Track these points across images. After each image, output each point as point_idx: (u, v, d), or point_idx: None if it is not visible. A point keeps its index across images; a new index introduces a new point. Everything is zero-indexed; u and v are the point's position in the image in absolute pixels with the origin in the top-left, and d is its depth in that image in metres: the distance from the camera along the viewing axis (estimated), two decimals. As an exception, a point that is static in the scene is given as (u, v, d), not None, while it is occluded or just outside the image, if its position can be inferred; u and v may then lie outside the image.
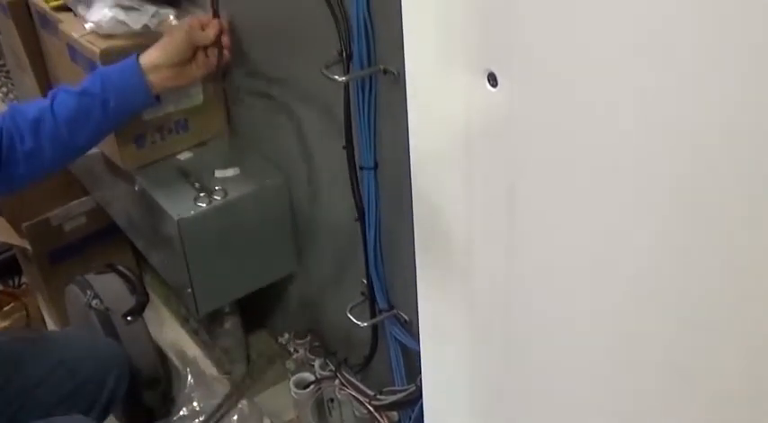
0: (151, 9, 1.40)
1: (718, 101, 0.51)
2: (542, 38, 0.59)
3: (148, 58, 1.29)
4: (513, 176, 0.67)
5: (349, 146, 1.18)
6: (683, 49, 0.51)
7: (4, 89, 2.54)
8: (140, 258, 2.00)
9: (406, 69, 0.77)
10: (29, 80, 1.79)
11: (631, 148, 0.56)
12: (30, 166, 1.26)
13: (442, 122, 0.74)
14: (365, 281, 1.31)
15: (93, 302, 1.66)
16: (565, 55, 0.58)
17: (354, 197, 1.22)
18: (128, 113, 1.33)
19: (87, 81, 1.28)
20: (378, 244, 1.26)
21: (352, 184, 1.22)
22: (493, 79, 0.64)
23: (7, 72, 2.38)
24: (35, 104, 1.27)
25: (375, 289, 1.29)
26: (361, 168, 1.19)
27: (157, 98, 1.34)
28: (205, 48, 1.33)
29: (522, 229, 0.72)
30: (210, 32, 1.32)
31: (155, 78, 1.29)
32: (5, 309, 1.85)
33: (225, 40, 1.33)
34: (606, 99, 0.56)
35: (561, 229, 0.67)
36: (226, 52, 1.34)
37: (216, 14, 1.32)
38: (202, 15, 1.36)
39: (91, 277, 1.72)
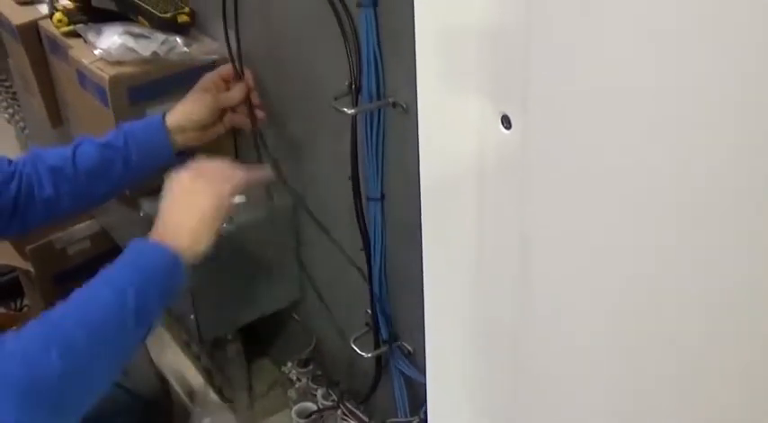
0: (160, 37, 1.41)
1: (735, 147, 0.51)
2: (557, 81, 0.59)
3: (175, 118, 1.29)
4: (525, 218, 0.67)
5: (355, 177, 1.18)
6: (697, 98, 0.51)
7: (11, 110, 2.56)
8: (143, 283, 2.00)
9: (418, 108, 0.78)
10: (36, 104, 1.80)
11: (647, 193, 0.56)
12: (46, 212, 1.25)
13: (454, 161, 0.74)
14: (369, 311, 1.31)
15: (96, 327, 1.65)
16: (580, 100, 0.58)
17: (360, 227, 1.22)
18: (148, 170, 1.31)
19: (111, 134, 1.27)
20: (383, 275, 1.26)
21: (357, 215, 1.22)
22: (507, 121, 0.64)
23: (14, 93, 2.39)
24: (57, 152, 1.26)
25: (379, 320, 1.29)
26: (368, 199, 1.19)
27: (179, 155, 1.32)
28: (232, 108, 1.34)
29: (534, 268, 0.72)
30: (237, 95, 1.32)
31: (180, 138, 1.29)
32: (8, 332, 1.84)
33: (254, 98, 1.33)
34: (623, 144, 0.56)
35: (575, 270, 0.67)
36: (259, 112, 1.34)
37: (240, 74, 1.33)
38: (224, 70, 1.35)
39: (94, 302, 1.72)
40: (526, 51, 0.60)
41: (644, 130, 0.55)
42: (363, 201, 1.20)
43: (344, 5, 1.07)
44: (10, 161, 1.25)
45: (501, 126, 0.64)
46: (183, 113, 1.30)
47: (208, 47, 1.44)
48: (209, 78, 1.34)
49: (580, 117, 0.58)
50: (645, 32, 0.53)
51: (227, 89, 1.34)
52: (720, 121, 0.51)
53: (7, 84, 2.47)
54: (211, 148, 1.47)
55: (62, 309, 1.00)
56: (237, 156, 1.57)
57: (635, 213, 0.58)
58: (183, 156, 1.31)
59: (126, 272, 1.06)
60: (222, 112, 1.34)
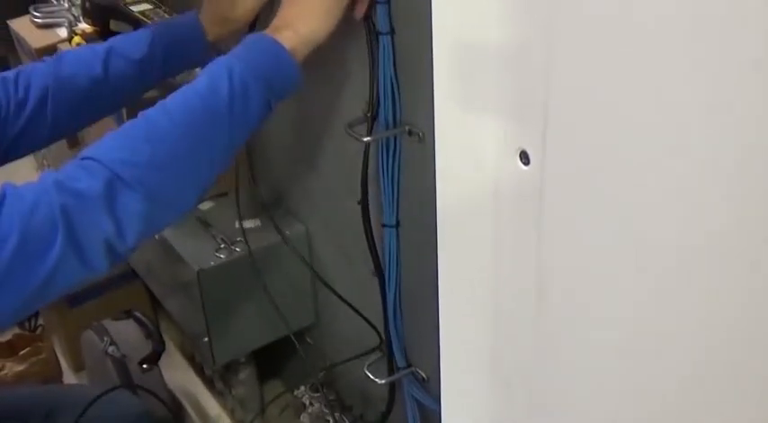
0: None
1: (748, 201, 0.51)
2: (577, 119, 0.59)
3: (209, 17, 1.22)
4: (542, 254, 0.67)
5: (364, 203, 1.19)
6: (714, 143, 0.51)
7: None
8: (156, 303, 2.00)
9: (435, 140, 0.78)
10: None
11: (665, 231, 0.56)
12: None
13: (470, 193, 0.74)
14: (384, 337, 1.31)
15: (110, 349, 1.66)
16: (600, 138, 0.58)
17: (371, 253, 1.22)
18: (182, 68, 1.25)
19: (144, 46, 1.19)
20: (398, 301, 1.25)
21: (368, 240, 1.22)
22: (525, 157, 0.64)
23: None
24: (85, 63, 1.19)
25: (393, 346, 1.28)
26: (384, 226, 1.19)
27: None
28: None
29: (550, 303, 0.72)
30: None
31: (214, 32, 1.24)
32: (22, 353, 1.85)
33: None
34: (642, 182, 0.56)
35: (591, 306, 0.66)
36: None
37: None
38: None
39: (108, 323, 1.72)
40: (546, 88, 0.60)
41: (664, 169, 0.54)
42: (376, 227, 1.20)
43: (369, 32, 1.07)
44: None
45: (519, 162, 0.64)
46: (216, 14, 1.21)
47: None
48: None
49: (599, 155, 0.58)
50: (664, 71, 0.53)
51: None
52: (745, 167, 0.51)
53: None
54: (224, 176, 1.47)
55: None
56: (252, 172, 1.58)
57: (652, 251, 0.58)
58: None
59: (223, 60, 0.99)
60: None
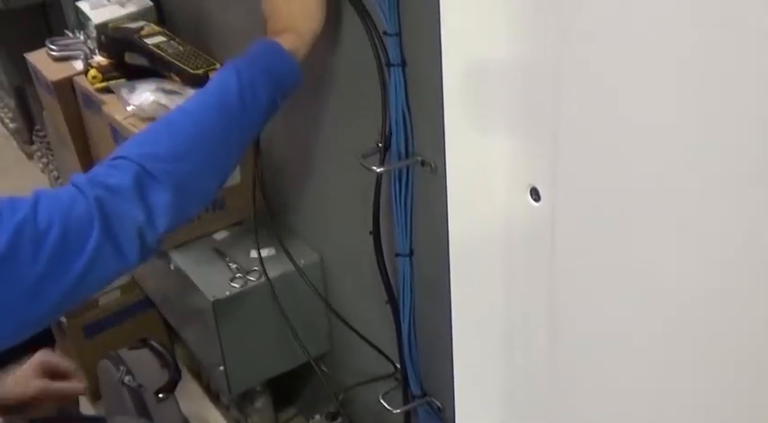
0: (192, 93, 1.43)
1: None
2: (588, 157, 0.59)
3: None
4: (553, 288, 0.67)
5: (376, 232, 1.19)
6: (724, 176, 0.51)
7: (45, 160, 2.61)
8: (172, 332, 2.01)
9: (447, 174, 0.78)
10: (70, 157, 1.83)
11: (676, 269, 0.56)
12: None
13: (482, 227, 0.75)
14: (398, 366, 1.30)
15: (126, 379, 1.66)
16: (611, 178, 0.58)
17: (383, 281, 1.23)
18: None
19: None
20: (412, 330, 1.25)
21: (380, 270, 1.22)
22: (535, 194, 0.64)
23: (48, 143, 2.44)
24: None
25: (409, 375, 1.28)
26: (397, 255, 1.19)
27: None
28: None
29: (561, 335, 0.72)
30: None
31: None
32: (39, 382, 1.85)
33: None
34: (653, 220, 0.56)
35: (602, 340, 0.66)
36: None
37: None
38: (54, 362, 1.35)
39: (124, 353, 1.73)
40: (556, 126, 0.61)
41: (676, 209, 0.55)
42: (390, 256, 1.21)
43: (380, 64, 1.08)
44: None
45: (530, 198, 0.65)
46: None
47: (238, 102, 1.45)
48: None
49: (610, 194, 0.58)
50: (678, 112, 0.53)
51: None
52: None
53: (42, 133, 2.52)
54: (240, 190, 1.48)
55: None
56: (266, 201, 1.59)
57: (663, 288, 0.58)
58: None
59: (230, 63, 1.08)
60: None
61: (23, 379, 1.30)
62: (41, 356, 1.33)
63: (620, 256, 0.60)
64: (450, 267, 0.85)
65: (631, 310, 0.61)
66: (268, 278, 1.42)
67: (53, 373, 1.34)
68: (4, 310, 0.87)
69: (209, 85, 1.06)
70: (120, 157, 0.97)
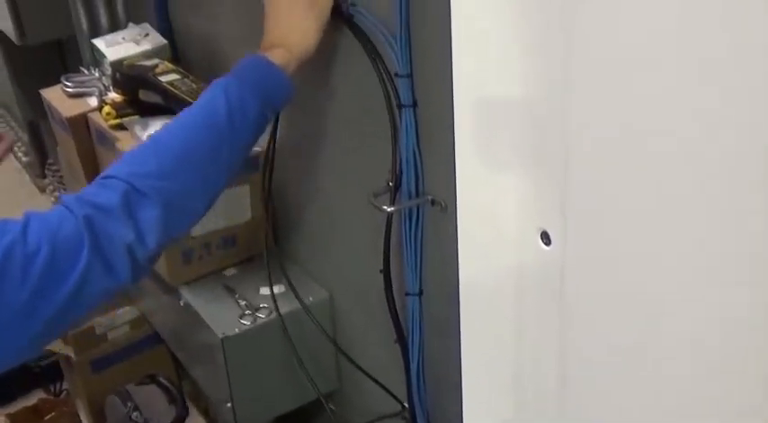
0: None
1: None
2: (598, 200, 0.60)
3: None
4: (564, 334, 0.67)
5: (386, 271, 1.19)
6: (740, 223, 0.51)
7: (57, 193, 2.62)
8: (180, 368, 2.00)
9: (458, 217, 0.79)
10: (82, 191, 1.84)
11: (687, 313, 0.56)
12: None
13: (493, 269, 0.75)
14: (407, 405, 1.30)
15: (133, 415, 1.66)
16: (621, 220, 0.58)
17: (392, 320, 1.23)
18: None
19: None
20: (421, 369, 1.25)
21: (389, 308, 1.22)
22: (546, 238, 0.65)
23: (61, 177, 2.45)
24: None
25: (417, 415, 1.28)
26: (407, 294, 1.19)
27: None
28: None
29: (572, 382, 0.72)
30: None
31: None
32: (47, 417, 1.85)
33: None
34: (663, 265, 0.57)
35: (613, 389, 0.66)
36: None
37: None
38: None
39: (131, 388, 1.73)
40: (566, 169, 0.61)
41: (685, 255, 0.55)
42: (400, 295, 1.21)
43: (390, 105, 1.09)
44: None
45: (540, 242, 0.65)
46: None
47: (250, 140, 1.47)
48: None
49: (620, 239, 0.59)
50: (689, 163, 0.53)
51: None
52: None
53: (54, 167, 2.54)
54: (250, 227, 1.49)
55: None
56: (276, 238, 1.59)
57: (674, 334, 0.58)
58: None
59: (219, 80, 1.08)
60: None
61: None
62: None
63: (631, 301, 0.60)
64: (460, 308, 0.86)
65: (643, 353, 0.61)
66: (280, 315, 1.42)
67: None
68: None
69: (197, 103, 1.07)
70: (110, 177, 0.98)
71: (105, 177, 0.98)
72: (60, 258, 0.90)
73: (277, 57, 1.09)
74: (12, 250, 0.87)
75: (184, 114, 1.06)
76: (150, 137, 1.05)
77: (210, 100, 1.05)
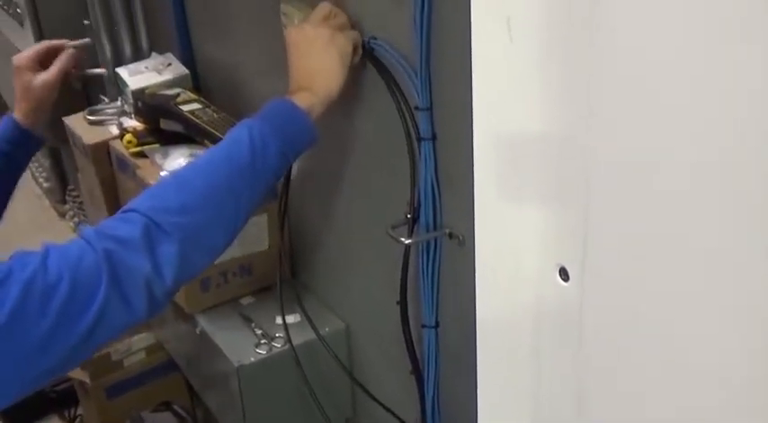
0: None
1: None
2: (618, 237, 0.60)
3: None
4: (582, 370, 0.67)
5: (403, 303, 1.19)
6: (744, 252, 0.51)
7: (77, 219, 2.64)
8: (195, 396, 2.00)
9: (476, 251, 0.79)
10: (102, 217, 1.85)
11: (709, 355, 0.56)
12: None
13: (510, 304, 0.75)
14: (422, 438, 1.29)
15: (147, 442, 1.66)
16: (641, 258, 0.58)
17: (408, 352, 1.23)
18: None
19: None
20: (436, 401, 1.24)
21: (406, 340, 1.22)
22: (564, 274, 0.65)
23: (80, 203, 2.47)
24: None
25: (432, 447, 1.27)
26: (423, 326, 1.19)
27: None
28: None
29: (592, 411, 0.71)
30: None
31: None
32: (61, 444, 1.85)
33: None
34: (683, 303, 0.57)
35: (633, 417, 0.66)
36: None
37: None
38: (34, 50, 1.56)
39: (146, 416, 1.73)
40: (586, 205, 0.61)
41: (708, 291, 0.55)
42: (416, 327, 1.21)
43: (409, 138, 1.10)
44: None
45: (559, 278, 0.65)
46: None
47: (269, 169, 1.47)
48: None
49: (641, 276, 0.59)
50: (704, 196, 0.54)
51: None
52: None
53: (75, 193, 2.56)
54: (267, 256, 1.48)
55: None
56: (293, 268, 1.59)
57: (694, 374, 0.58)
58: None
59: (244, 121, 1.09)
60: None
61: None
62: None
63: (651, 340, 0.60)
64: (477, 342, 0.85)
65: (664, 394, 0.61)
66: (292, 345, 1.42)
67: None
68: (11, 365, 0.88)
69: (222, 143, 1.08)
70: (130, 211, 0.99)
71: (126, 211, 0.99)
72: (80, 291, 0.90)
73: (302, 100, 1.10)
74: (33, 283, 0.88)
75: (209, 153, 1.08)
76: (173, 173, 1.08)
77: (235, 140, 1.07)
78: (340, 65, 1.11)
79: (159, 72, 1.67)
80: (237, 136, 1.07)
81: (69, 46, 1.59)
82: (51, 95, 1.53)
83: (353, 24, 1.15)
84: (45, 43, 1.58)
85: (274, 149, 1.07)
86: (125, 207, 1.01)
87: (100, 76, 1.82)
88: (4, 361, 0.87)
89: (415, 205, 1.12)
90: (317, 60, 1.11)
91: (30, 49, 1.55)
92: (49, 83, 1.52)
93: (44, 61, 1.54)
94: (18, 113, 1.49)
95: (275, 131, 1.07)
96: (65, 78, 1.57)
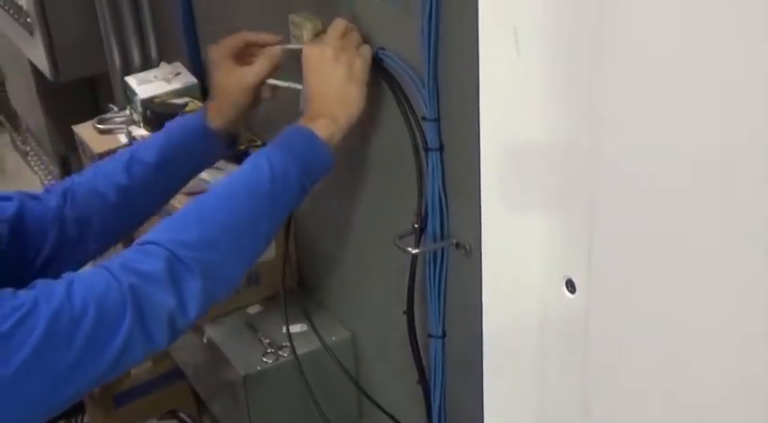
0: (234, 169, 1.45)
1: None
2: (625, 249, 0.60)
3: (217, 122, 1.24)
4: (589, 384, 0.67)
5: (410, 313, 1.20)
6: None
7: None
8: (201, 405, 2.00)
9: (482, 261, 0.79)
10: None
11: (711, 364, 0.56)
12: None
13: (517, 314, 0.75)
14: (428, 446, 1.29)
15: (154, 450, 1.66)
16: (647, 269, 0.58)
17: (415, 361, 1.23)
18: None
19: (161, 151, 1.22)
20: (442, 410, 1.24)
21: (412, 349, 1.22)
22: (571, 286, 0.65)
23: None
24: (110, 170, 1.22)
25: (438, 457, 1.27)
26: (429, 336, 1.19)
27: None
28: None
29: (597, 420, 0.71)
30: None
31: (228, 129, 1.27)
32: (68, 451, 1.85)
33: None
34: (689, 318, 0.57)
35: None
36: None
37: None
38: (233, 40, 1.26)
39: (153, 424, 1.73)
40: (592, 216, 0.62)
41: (714, 303, 0.55)
42: (423, 336, 1.21)
43: (417, 148, 1.10)
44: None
45: (565, 289, 0.65)
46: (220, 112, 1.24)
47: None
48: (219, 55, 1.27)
49: (647, 288, 0.59)
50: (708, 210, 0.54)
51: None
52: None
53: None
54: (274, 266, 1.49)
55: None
56: (300, 277, 1.59)
57: (698, 383, 0.58)
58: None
59: (263, 150, 1.09)
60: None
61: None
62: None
63: (656, 351, 0.60)
64: (484, 352, 0.86)
65: (670, 404, 0.61)
66: (296, 355, 1.42)
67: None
68: (33, 397, 0.88)
69: (242, 171, 1.07)
70: (151, 243, 0.98)
71: (147, 243, 0.98)
72: (105, 324, 0.90)
73: (321, 128, 1.09)
74: (60, 314, 0.88)
75: (228, 181, 1.07)
76: (194, 201, 1.06)
77: (255, 170, 1.06)
78: (360, 93, 1.11)
79: (168, 81, 1.68)
80: (258, 166, 1.06)
81: (274, 42, 1.26)
82: (245, 97, 1.25)
83: (363, 37, 1.15)
84: (242, 36, 1.26)
85: (294, 180, 1.07)
86: (145, 237, 1.00)
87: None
88: (34, 388, 0.87)
89: (423, 215, 1.12)
90: (338, 88, 1.10)
91: (226, 42, 1.26)
92: (250, 84, 1.23)
93: (239, 57, 1.26)
94: (210, 112, 1.26)
95: (295, 161, 1.07)
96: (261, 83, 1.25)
